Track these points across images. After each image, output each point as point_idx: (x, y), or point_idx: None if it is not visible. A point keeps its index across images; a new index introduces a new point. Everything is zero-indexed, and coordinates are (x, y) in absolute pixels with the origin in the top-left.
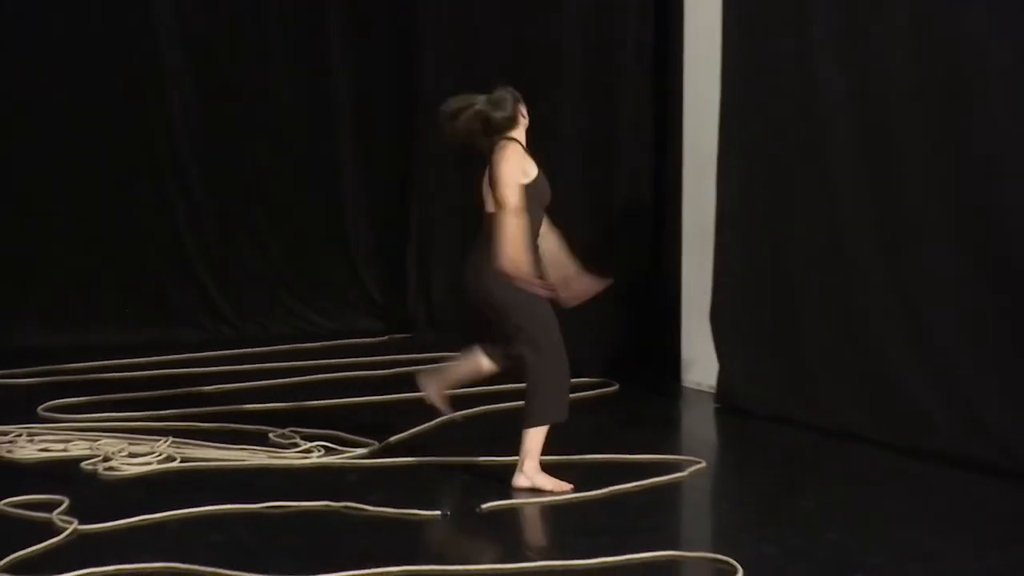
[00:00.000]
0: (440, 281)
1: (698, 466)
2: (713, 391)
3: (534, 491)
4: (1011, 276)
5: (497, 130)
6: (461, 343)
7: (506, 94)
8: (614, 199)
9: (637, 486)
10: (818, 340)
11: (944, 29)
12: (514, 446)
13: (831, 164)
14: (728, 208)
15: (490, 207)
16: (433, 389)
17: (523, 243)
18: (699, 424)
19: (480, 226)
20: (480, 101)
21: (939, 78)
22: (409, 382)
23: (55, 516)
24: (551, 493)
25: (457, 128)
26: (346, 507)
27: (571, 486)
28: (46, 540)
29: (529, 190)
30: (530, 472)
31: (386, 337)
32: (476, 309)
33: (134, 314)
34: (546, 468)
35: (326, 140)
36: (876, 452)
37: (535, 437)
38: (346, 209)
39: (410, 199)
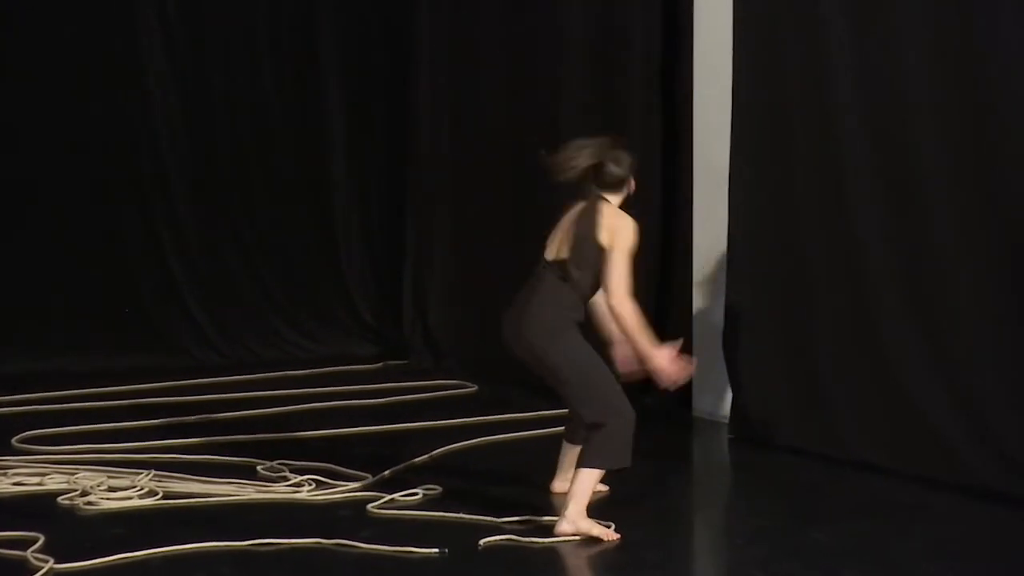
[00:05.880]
0: (437, 304)
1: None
2: (726, 421)
3: (578, 535)
4: None
5: (603, 184)
6: (459, 369)
7: (627, 156)
8: None
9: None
10: (834, 368)
11: (961, 31)
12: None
13: (848, 187)
14: (740, 232)
15: (553, 254)
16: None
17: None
18: (712, 455)
19: (533, 273)
20: (604, 148)
21: (958, 84)
22: (405, 411)
23: (29, 554)
24: (599, 541)
25: (576, 163)
26: (339, 545)
27: (618, 536)
28: None
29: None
30: (574, 516)
31: (381, 364)
32: (522, 362)
33: (118, 340)
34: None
35: (317, 160)
36: (895, 484)
37: (589, 479)
38: (337, 230)
39: (406, 219)
